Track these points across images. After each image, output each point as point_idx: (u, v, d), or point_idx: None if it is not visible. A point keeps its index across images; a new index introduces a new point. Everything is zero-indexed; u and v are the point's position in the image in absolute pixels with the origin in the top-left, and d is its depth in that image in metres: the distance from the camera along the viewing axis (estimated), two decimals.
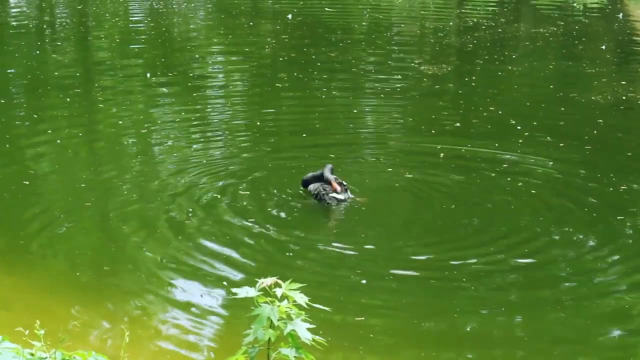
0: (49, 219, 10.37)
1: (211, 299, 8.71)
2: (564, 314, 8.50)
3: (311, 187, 10.98)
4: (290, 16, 22.13)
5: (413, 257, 9.72)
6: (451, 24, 22.20)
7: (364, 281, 9.08)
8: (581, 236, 10.05)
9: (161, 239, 9.92)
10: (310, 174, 11.12)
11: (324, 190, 10.82)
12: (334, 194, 10.79)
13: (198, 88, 16.23)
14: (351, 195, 10.96)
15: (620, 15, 23.25)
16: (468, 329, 8.34)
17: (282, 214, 10.60)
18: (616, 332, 8.33)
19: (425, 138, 13.35)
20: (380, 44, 20.28)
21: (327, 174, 10.93)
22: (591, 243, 9.94)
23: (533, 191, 11.27)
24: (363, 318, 8.41)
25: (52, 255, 9.72)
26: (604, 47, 19.82)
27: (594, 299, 8.81)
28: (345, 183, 11.05)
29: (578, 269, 9.37)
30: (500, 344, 8.18)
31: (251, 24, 21.81)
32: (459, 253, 9.80)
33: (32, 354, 4.72)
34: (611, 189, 11.37)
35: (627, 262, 9.56)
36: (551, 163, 12.29)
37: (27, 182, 11.33)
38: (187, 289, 8.87)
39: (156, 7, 23.97)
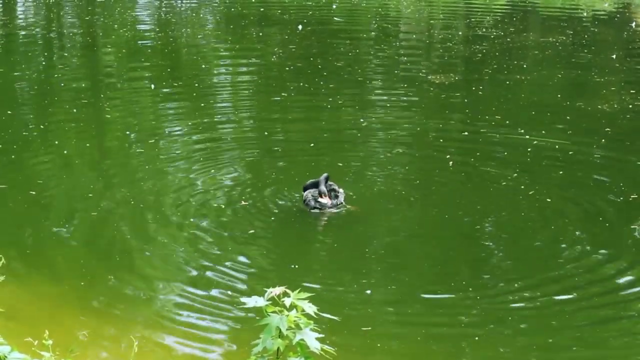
0: (55, 229, 10.37)
1: (220, 308, 8.69)
2: None
3: (305, 194, 11.01)
4: (300, 27, 22.13)
5: (417, 266, 9.74)
6: (460, 33, 22.18)
7: (368, 291, 9.06)
8: (598, 254, 9.84)
9: (168, 248, 9.92)
10: (310, 181, 11.11)
11: (312, 196, 10.83)
12: (320, 199, 10.78)
13: (205, 98, 16.23)
14: (342, 202, 10.91)
15: (633, 25, 23.20)
16: (477, 339, 8.31)
17: (287, 224, 10.59)
18: None
19: (434, 147, 13.31)
20: (388, 53, 20.27)
21: (322, 185, 10.90)
22: (608, 261, 9.67)
23: (548, 200, 11.22)
24: (370, 328, 8.40)
25: (59, 265, 9.71)
26: (614, 55, 19.77)
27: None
28: (341, 190, 11.01)
29: (596, 307, 8.96)
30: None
31: (260, 34, 21.83)
32: (462, 262, 9.81)
33: None
34: (621, 198, 11.32)
35: None
36: (561, 172, 12.25)
37: (34, 192, 11.33)
38: (195, 299, 8.85)
39: (164, 17, 24.02)
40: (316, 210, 10.80)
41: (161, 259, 9.71)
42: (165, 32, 22.28)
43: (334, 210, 10.84)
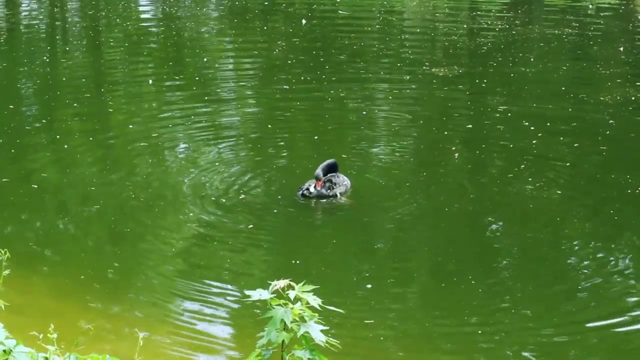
0: (58, 223, 10.39)
1: (224, 301, 8.70)
2: None
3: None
4: (304, 21, 22.09)
5: (420, 259, 9.78)
6: (464, 26, 22.12)
7: (369, 285, 9.07)
8: (610, 254, 9.73)
9: (171, 241, 9.93)
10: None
11: (308, 186, 10.81)
12: (311, 188, 10.74)
13: (208, 91, 16.20)
14: (336, 195, 10.85)
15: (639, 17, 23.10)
16: (480, 332, 8.32)
17: (289, 218, 10.61)
18: None
19: (438, 140, 13.28)
20: (392, 45, 20.22)
21: (318, 169, 10.90)
22: (624, 266, 9.52)
23: (558, 192, 11.20)
24: (372, 321, 8.41)
25: (63, 259, 9.73)
26: (621, 48, 19.70)
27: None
28: (345, 183, 10.95)
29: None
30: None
31: (265, 27, 21.79)
32: (466, 256, 9.83)
33: (46, 358, 4.70)
34: (629, 190, 11.27)
35: None
36: (568, 164, 12.21)
37: (36, 186, 11.34)
38: (199, 292, 8.87)
39: (168, 10, 23.98)
40: (307, 197, 10.77)
41: (163, 252, 9.74)
42: (169, 25, 22.25)
43: (327, 200, 10.79)
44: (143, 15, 23.87)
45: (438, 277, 9.35)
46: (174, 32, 21.43)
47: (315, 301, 4.40)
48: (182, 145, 13.08)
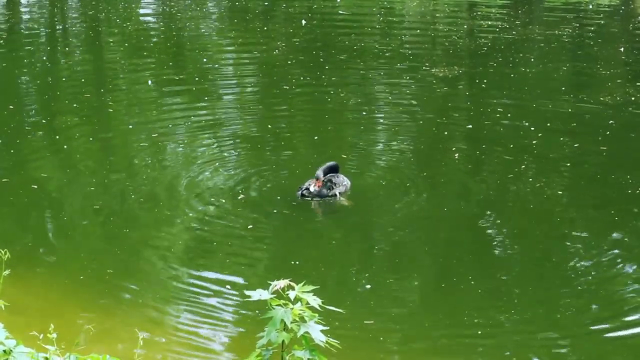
0: (58, 223, 10.40)
1: (224, 302, 8.70)
2: None
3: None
4: (304, 21, 22.07)
5: (419, 259, 9.78)
6: (465, 26, 22.10)
7: (369, 285, 9.07)
8: (609, 255, 9.74)
9: (171, 242, 9.93)
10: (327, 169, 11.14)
11: (307, 183, 10.82)
12: (311, 187, 10.75)
13: (208, 91, 16.19)
14: (335, 194, 10.85)
15: None
16: (479, 332, 8.31)
17: (288, 218, 10.60)
18: None
19: (438, 140, 13.27)
20: (392, 46, 20.20)
21: (319, 169, 10.91)
22: (627, 269, 9.53)
23: (559, 192, 11.19)
24: (372, 321, 8.40)
25: (63, 259, 9.73)
26: (621, 48, 19.69)
27: None
28: (345, 183, 10.96)
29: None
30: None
31: (265, 28, 21.79)
32: (465, 256, 9.83)
33: (46, 358, 4.70)
34: (629, 190, 11.27)
35: None
36: (568, 164, 12.21)
37: (36, 186, 11.34)
38: (199, 292, 8.86)
39: (168, 10, 23.97)
40: (305, 197, 10.77)
41: (162, 252, 9.74)
42: (169, 25, 22.24)
43: (327, 199, 10.79)
44: (143, 15, 23.85)
45: (438, 278, 9.35)
46: (174, 32, 21.42)
47: (315, 301, 4.40)
48: (182, 145, 13.08)
